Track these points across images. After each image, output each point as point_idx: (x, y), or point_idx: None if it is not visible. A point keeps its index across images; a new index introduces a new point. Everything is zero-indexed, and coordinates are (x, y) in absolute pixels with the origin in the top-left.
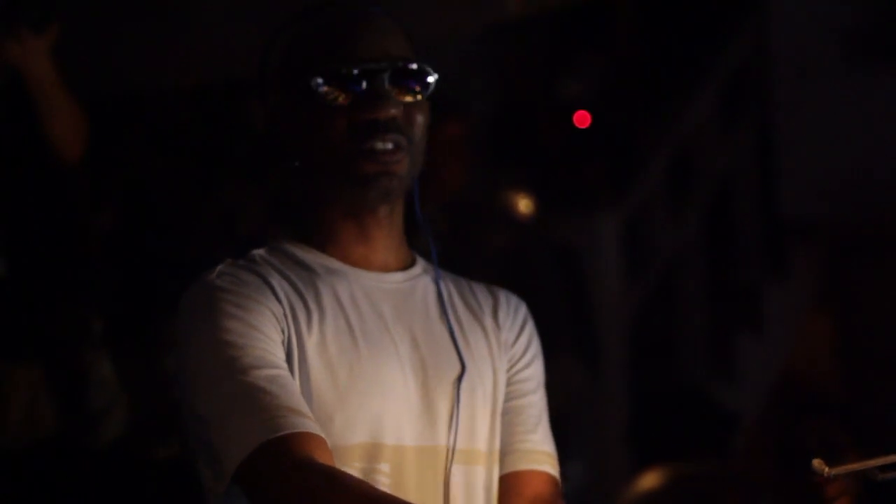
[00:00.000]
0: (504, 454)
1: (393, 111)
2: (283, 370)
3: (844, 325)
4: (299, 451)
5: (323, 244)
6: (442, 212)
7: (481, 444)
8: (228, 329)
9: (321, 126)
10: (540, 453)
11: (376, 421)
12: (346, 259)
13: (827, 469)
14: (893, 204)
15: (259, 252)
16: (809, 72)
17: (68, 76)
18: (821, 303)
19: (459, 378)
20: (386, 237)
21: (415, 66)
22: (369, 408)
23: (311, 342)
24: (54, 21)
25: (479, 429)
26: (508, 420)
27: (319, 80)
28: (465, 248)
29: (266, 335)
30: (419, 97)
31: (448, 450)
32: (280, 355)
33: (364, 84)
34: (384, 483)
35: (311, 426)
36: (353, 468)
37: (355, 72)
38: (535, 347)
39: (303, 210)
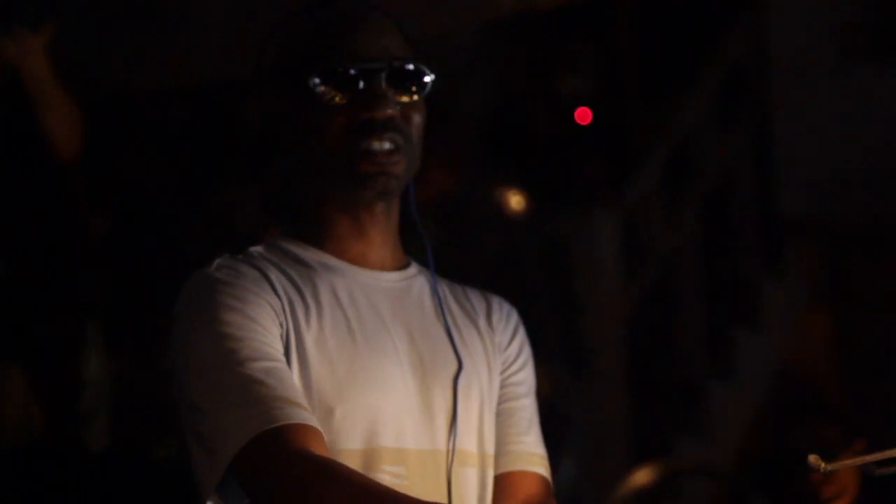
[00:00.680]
0: (497, 456)
1: (390, 111)
2: (281, 362)
3: (842, 322)
4: (295, 442)
5: (320, 241)
6: (435, 209)
7: (477, 444)
8: (226, 321)
9: (318, 125)
10: (532, 455)
11: (376, 417)
12: (343, 256)
13: (823, 465)
14: (891, 202)
15: (256, 248)
16: (807, 70)
17: (66, 75)
18: (818, 301)
19: (457, 376)
20: (382, 234)
21: (412, 65)
22: (368, 401)
23: (310, 336)
24: (50, 19)
25: (475, 429)
26: (501, 422)
27: (317, 80)
28: (459, 248)
29: (264, 327)
30: (416, 97)
31: (448, 452)
32: (278, 347)
33: (361, 83)
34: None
35: (307, 417)
36: None
37: (352, 71)
38: (527, 353)
39: (300, 208)
